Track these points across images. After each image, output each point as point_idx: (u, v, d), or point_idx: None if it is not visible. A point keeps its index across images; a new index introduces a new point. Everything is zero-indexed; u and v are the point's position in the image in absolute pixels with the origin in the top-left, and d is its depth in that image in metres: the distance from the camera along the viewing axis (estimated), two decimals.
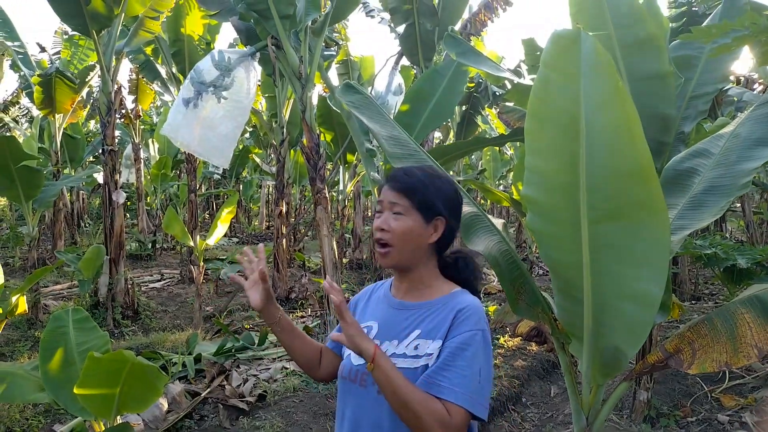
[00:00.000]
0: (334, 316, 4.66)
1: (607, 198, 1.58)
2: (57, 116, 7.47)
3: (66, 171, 10.16)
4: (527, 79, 6.01)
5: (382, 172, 4.63)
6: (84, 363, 2.31)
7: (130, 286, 6.36)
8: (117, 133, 6.84)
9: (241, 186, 15.91)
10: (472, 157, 13.94)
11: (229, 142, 4.31)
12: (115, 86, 6.34)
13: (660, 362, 2.01)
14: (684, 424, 3.78)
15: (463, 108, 8.83)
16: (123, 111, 8.95)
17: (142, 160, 10.86)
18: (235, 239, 14.05)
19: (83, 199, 15.57)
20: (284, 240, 7.25)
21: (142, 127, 11.50)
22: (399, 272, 1.39)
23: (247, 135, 12.44)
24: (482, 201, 15.84)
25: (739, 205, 8.06)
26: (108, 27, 5.87)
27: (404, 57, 6.72)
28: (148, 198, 12.60)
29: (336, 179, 10.12)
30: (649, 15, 2.93)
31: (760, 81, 6.99)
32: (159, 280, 8.75)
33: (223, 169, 12.57)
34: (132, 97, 9.39)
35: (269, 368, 4.49)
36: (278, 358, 4.76)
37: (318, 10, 4.48)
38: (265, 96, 8.41)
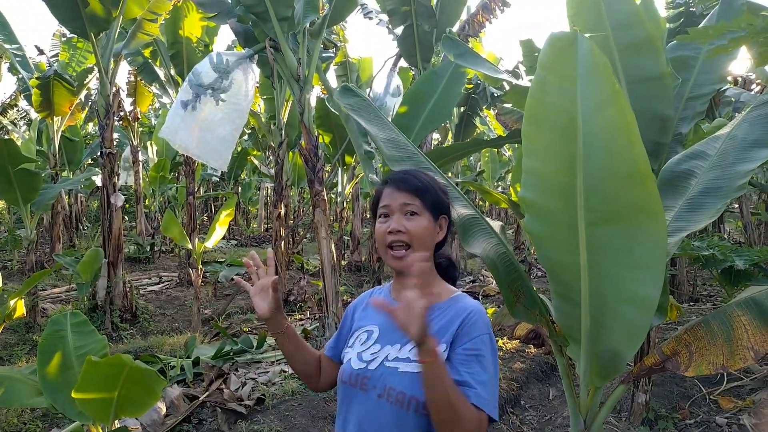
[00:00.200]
0: (332, 320, 4.66)
1: (604, 200, 1.58)
2: (55, 119, 7.47)
3: (64, 174, 10.16)
4: (525, 81, 6.02)
5: (381, 174, 4.63)
6: (82, 367, 2.31)
7: (128, 290, 6.35)
8: (115, 135, 6.85)
9: (239, 188, 15.90)
10: (471, 158, 13.95)
11: (228, 145, 4.31)
12: (114, 89, 6.34)
13: (657, 365, 2.01)
14: (682, 427, 3.78)
15: (462, 109, 8.84)
16: (121, 113, 8.96)
17: (140, 163, 10.85)
18: (233, 242, 14.04)
19: (81, 201, 15.54)
20: (283, 242, 7.25)
21: (140, 129, 11.50)
22: (403, 276, 1.36)
23: (245, 137, 12.44)
24: (481, 202, 15.85)
25: (737, 206, 8.07)
26: (106, 29, 5.87)
27: (402, 58, 6.72)
28: (147, 200, 12.58)
29: (334, 181, 10.12)
30: (647, 16, 2.94)
31: (757, 81, 7.01)
32: (157, 283, 8.74)
33: (222, 171, 12.58)
34: (130, 100, 9.39)
35: (268, 371, 4.48)
36: (277, 361, 4.76)
37: (316, 12, 4.48)
38: (263, 98, 8.41)
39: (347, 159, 7.79)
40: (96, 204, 15.78)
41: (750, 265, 4.13)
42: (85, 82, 7.44)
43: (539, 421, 4.07)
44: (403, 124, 4.69)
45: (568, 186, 1.61)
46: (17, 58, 8.06)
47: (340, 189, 10.23)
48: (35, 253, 6.57)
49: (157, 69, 8.15)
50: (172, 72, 7.74)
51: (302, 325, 6.07)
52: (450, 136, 10.20)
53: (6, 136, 11.82)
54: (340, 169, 9.12)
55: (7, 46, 8.00)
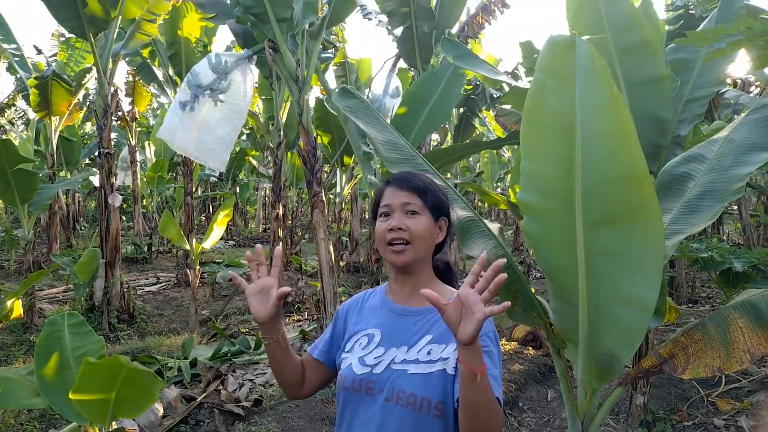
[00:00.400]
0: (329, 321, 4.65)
1: (602, 203, 1.58)
2: (53, 119, 7.47)
3: (62, 174, 10.14)
4: (524, 82, 6.02)
5: (380, 174, 4.63)
6: (79, 368, 2.31)
7: (125, 290, 6.34)
8: (113, 135, 6.84)
9: (237, 189, 15.89)
10: (470, 159, 13.95)
11: (226, 145, 4.31)
12: (112, 89, 6.33)
13: (654, 367, 2.01)
14: (680, 429, 3.78)
15: (461, 110, 8.84)
16: (119, 113, 8.95)
17: (138, 163, 10.83)
18: (231, 242, 14.03)
19: (79, 201, 15.52)
20: (281, 243, 7.24)
21: (138, 129, 11.48)
22: (403, 275, 1.38)
23: (243, 137, 12.43)
24: (480, 203, 15.86)
25: (736, 207, 8.09)
26: (105, 30, 5.87)
27: (401, 59, 6.72)
28: (144, 201, 12.57)
29: (333, 182, 10.11)
30: (646, 19, 2.95)
31: (756, 83, 7.02)
32: (155, 284, 8.73)
33: (220, 171, 12.58)
34: (128, 100, 9.37)
35: (265, 373, 4.47)
36: None
37: (315, 13, 4.48)
38: (262, 98, 8.40)
39: (346, 160, 7.79)
40: (93, 204, 15.77)
41: (748, 267, 4.13)
42: (83, 82, 7.43)
43: (537, 422, 4.07)
44: (402, 125, 4.69)
45: (566, 188, 1.61)
46: (15, 58, 8.06)
47: (338, 190, 10.22)
48: (32, 253, 6.56)
49: (155, 69, 8.14)
50: (171, 72, 7.73)
51: (300, 326, 6.07)
52: (449, 137, 10.20)
53: (4, 136, 11.81)
54: (338, 169, 9.11)
55: (5, 45, 7.99)
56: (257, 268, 1.33)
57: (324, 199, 4.73)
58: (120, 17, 5.90)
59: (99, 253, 5.82)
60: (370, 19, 7.84)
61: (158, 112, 14.13)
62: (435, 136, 11.98)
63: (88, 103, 10.48)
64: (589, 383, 1.99)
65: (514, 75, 8.40)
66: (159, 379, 2.47)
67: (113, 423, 2.59)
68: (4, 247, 10.04)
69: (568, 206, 1.63)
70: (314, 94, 7.93)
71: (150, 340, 5.50)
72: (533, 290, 2.22)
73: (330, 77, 9.60)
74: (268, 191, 17.08)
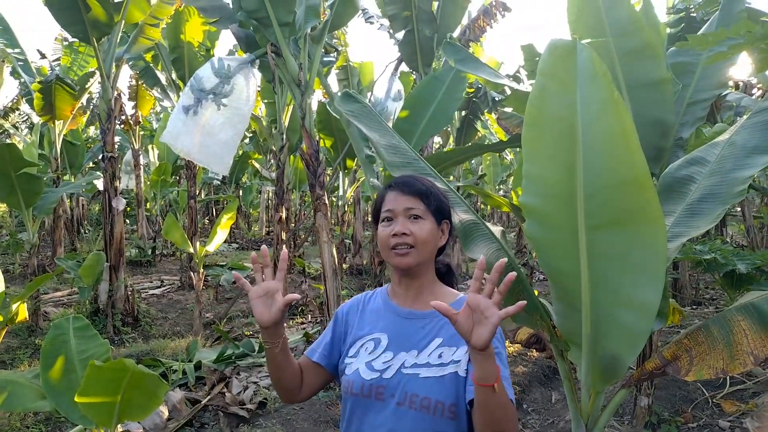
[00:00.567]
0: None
1: (604, 206, 1.59)
2: (57, 123, 7.49)
3: (66, 177, 10.18)
4: (526, 85, 6.03)
5: (382, 177, 4.64)
6: (85, 371, 2.32)
7: (130, 293, 6.37)
8: (117, 139, 6.87)
9: (240, 192, 15.93)
10: (472, 161, 13.96)
11: (229, 149, 4.33)
12: (115, 93, 6.36)
13: (658, 369, 2.01)
14: (685, 430, 3.78)
15: (463, 113, 8.86)
16: (123, 117, 8.98)
17: (141, 166, 10.88)
18: (235, 245, 14.06)
19: (83, 205, 15.58)
20: (284, 246, 7.25)
21: (141, 133, 11.53)
22: (407, 278, 1.37)
23: (246, 141, 12.47)
24: (482, 206, 15.86)
25: (739, 209, 8.07)
26: (108, 34, 5.91)
27: (403, 63, 6.74)
28: (148, 204, 12.61)
29: (336, 185, 10.13)
30: (647, 22, 2.96)
31: (759, 86, 7.01)
32: (159, 287, 8.75)
33: (223, 175, 12.61)
34: (132, 104, 9.41)
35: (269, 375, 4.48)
36: None
37: (317, 17, 4.50)
38: (264, 102, 8.43)
39: (348, 163, 7.80)
40: (97, 207, 15.81)
41: (752, 268, 4.12)
42: (86, 86, 7.47)
43: (541, 424, 4.07)
44: (404, 128, 4.70)
45: (568, 192, 1.62)
46: (19, 62, 8.09)
47: (341, 193, 10.24)
48: (37, 257, 6.59)
49: (158, 73, 8.18)
50: (174, 76, 7.77)
51: (304, 328, 6.08)
52: (451, 140, 10.21)
53: (8, 140, 11.87)
54: (341, 172, 9.12)
55: (9, 50, 8.03)
56: (262, 270, 1.29)
57: (327, 202, 4.74)
58: (123, 22, 5.94)
59: (103, 257, 5.85)
60: (372, 23, 7.87)
61: (161, 115, 14.17)
62: (437, 139, 12.00)
63: (91, 107, 10.54)
64: (593, 385, 2.00)
65: (516, 78, 8.41)
66: (164, 382, 2.48)
67: (119, 426, 2.60)
68: (8, 250, 10.09)
69: (570, 209, 1.64)
70: (316, 97, 7.97)
71: (154, 343, 5.52)
72: (536, 293, 2.23)
73: (332, 81, 9.61)
74: (271, 194, 17.11)
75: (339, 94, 3.03)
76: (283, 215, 7.28)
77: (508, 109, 7.04)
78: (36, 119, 9.52)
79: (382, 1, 6.68)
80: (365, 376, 1.32)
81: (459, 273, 9.46)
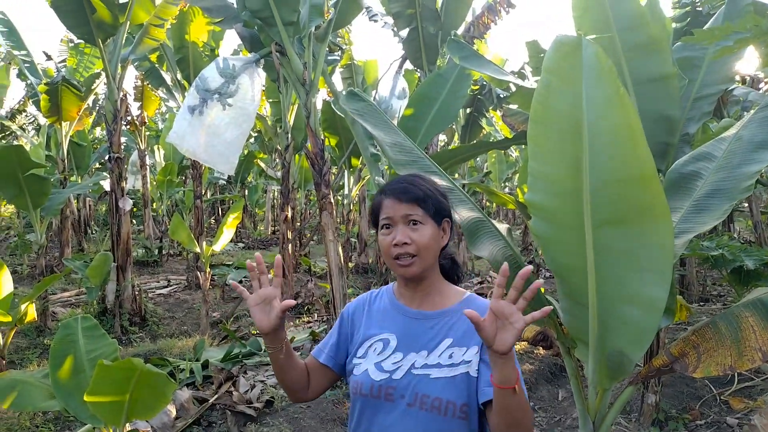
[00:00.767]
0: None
1: (610, 203, 1.59)
2: (63, 124, 7.53)
3: (72, 178, 10.23)
4: (531, 82, 6.02)
5: (387, 176, 4.64)
6: (93, 371, 2.34)
7: (137, 293, 6.40)
8: (123, 139, 6.90)
9: (246, 191, 15.95)
10: (478, 159, 13.93)
11: (235, 149, 4.34)
12: (121, 94, 6.39)
13: (665, 366, 2.00)
14: (693, 428, 3.77)
15: (468, 111, 8.84)
16: (128, 118, 9.02)
17: (147, 167, 10.92)
18: (241, 244, 14.09)
19: (90, 206, 15.65)
20: (290, 245, 7.27)
21: (147, 133, 11.57)
22: (414, 281, 1.36)
23: (252, 140, 12.50)
24: (488, 203, 15.83)
25: (746, 205, 8.02)
26: (113, 35, 5.93)
27: (408, 61, 6.74)
28: (154, 204, 12.66)
29: (341, 183, 10.14)
30: (653, 17, 2.94)
31: (766, 80, 6.95)
32: (166, 287, 8.79)
33: (229, 174, 12.64)
34: (137, 104, 9.45)
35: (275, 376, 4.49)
36: None
37: (321, 16, 4.51)
38: (269, 101, 8.45)
39: (353, 161, 7.81)
40: (104, 208, 15.89)
41: (760, 265, 4.10)
42: (92, 87, 7.51)
43: (548, 422, 4.07)
44: (409, 126, 4.70)
45: (574, 188, 1.61)
46: (26, 64, 8.14)
47: (346, 191, 10.24)
48: (45, 258, 6.62)
49: (163, 73, 8.21)
50: (179, 76, 7.79)
51: (310, 327, 6.09)
52: (456, 137, 10.20)
53: (15, 142, 11.94)
54: (346, 171, 9.13)
55: (15, 52, 8.08)
56: (258, 277, 1.30)
57: (332, 201, 4.75)
58: (128, 22, 5.96)
59: (110, 257, 5.88)
60: (376, 21, 7.87)
61: (167, 116, 14.24)
62: (442, 137, 11.98)
63: (97, 108, 10.57)
64: (600, 382, 1.99)
65: (521, 75, 8.38)
66: (172, 381, 2.49)
67: (127, 425, 2.62)
68: (17, 251, 10.15)
69: (576, 206, 1.63)
70: (321, 96, 7.97)
71: (162, 342, 5.54)
72: (542, 290, 2.23)
73: (336, 79, 9.62)
74: (276, 194, 17.14)
75: (344, 92, 3.03)
76: (289, 214, 7.29)
77: (513, 106, 7.03)
78: (43, 121, 9.57)
79: None
80: (374, 377, 1.32)
81: (465, 271, 9.44)
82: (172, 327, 6.56)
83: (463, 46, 3.88)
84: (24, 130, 13.49)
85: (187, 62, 7.36)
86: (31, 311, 4.19)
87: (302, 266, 9.42)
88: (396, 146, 2.42)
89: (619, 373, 1.90)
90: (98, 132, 15.43)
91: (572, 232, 1.67)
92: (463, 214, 2.22)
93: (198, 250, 6.19)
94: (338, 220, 10.34)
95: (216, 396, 3.99)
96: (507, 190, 14.12)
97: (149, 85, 8.75)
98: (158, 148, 13.38)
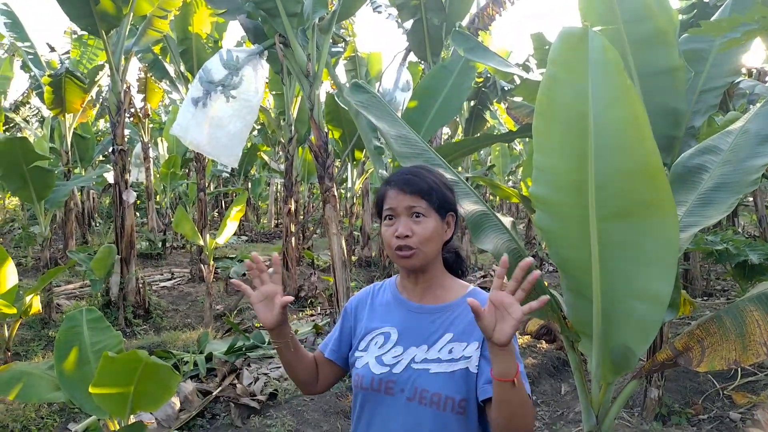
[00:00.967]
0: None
1: (615, 196, 1.58)
2: (67, 116, 7.54)
3: (76, 171, 10.25)
4: (536, 74, 5.98)
5: (391, 169, 4.63)
6: (98, 362, 2.35)
7: (141, 285, 6.42)
8: (126, 132, 6.89)
9: (249, 184, 15.96)
10: (481, 152, 13.89)
11: (238, 141, 4.33)
12: (125, 86, 6.38)
13: (669, 360, 2.00)
14: (695, 422, 3.77)
15: (472, 103, 8.81)
16: (132, 110, 9.02)
17: (151, 159, 10.92)
18: (244, 237, 14.12)
19: (94, 198, 15.70)
20: (293, 238, 7.28)
21: (151, 125, 11.57)
22: (416, 274, 1.35)
23: (255, 132, 12.49)
24: (491, 197, 15.81)
25: (751, 199, 7.98)
26: (117, 27, 5.91)
27: (412, 53, 6.71)
28: (158, 197, 12.68)
29: (344, 176, 10.14)
30: (659, 9, 2.91)
31: None
32: (169, 279, 8.82)
33: (232, 167, 12.64)
34: (141, 96, 9.44)
35: (279, 367, 4.51)
36: None
37: (325, 7, 4.48)
38: (273, 94, 8.43)
39: (357, 154, 7.81)
40: (108, 200, 15.92)
41: (764, 259, 4.09)
42: (96, 80, 7.50)
43: (551, 416, 4.07)
44: (412, 119, 4.69)
45: (579, 182, 1.60)
46: (29, 56, 8.13)
47: (349, 184, 10.25)
48: (49, 250, 6.65)
49: (167, 65, 8.19)
50: (182, 68, 7.77)
51: (313, 320, 6.11)
52: (460, 130, 10.17)
53: (19, 134, 11.96)
54: (349, 164, 9.13)
55: (19, 44, 8.07)
56: (258, 275, 1.31)
57: (335, 194, 4.74)
58: (131, 14, 5.94)
59: (114, 249, 5.89)
60: (380, 12, 7.82)
61: (170, 108, 14.22)
62: (446, 130, 11.96)
63: (101, 100, 10.58)
64: (604, 377, 1.99)
65: (525, 67, 8.33)
66: (176, 373, 2.50)
67: (131, 416, 2.63)
68: (21, 243, 10.19)
69: (581, 199, 1.62)
70: (325, 88, 7.95)
71: (166, 335, 5.57)
72: (546, 284, 2.22)
73: (340, 72, 9.59)
74: (279, 186, 17.16)
75: (348, 84, 3.02)
76: (292, 207, 7.30)
77: (518, 99, 7.00)
78: (46, 113, 9.57)
79: None
80: (375, 370, 1.32)
81: (468, 264, 9.44)
82: (175, 319, 6.58)
83: (467, 37, 3.86)
84: (28, 122, 13.51)
85: (190, 54, 7.34)
86: (35, 303, 4.21)
87: (305, 259, 9.43)
88: (401, 138, 2.41)
89: (622, 367, 1.90)
90: (102, 124, 15.45)
91: (577, 225, 1.67)
92: (467, 207, 2.22)
93: (201, 242, 6.20)
94: (341, 213, 10.35)
95: (220, 388, 4.01)
96: (510, 183, 14.09)
97: (152, 77, 8.74)
98: (161, 141, 13.38)
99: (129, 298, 6.26)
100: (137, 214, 13.00)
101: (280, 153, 11.84)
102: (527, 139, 8.63)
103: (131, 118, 9.59)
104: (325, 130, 4.78)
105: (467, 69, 4.95)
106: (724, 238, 4.28)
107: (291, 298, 1.29)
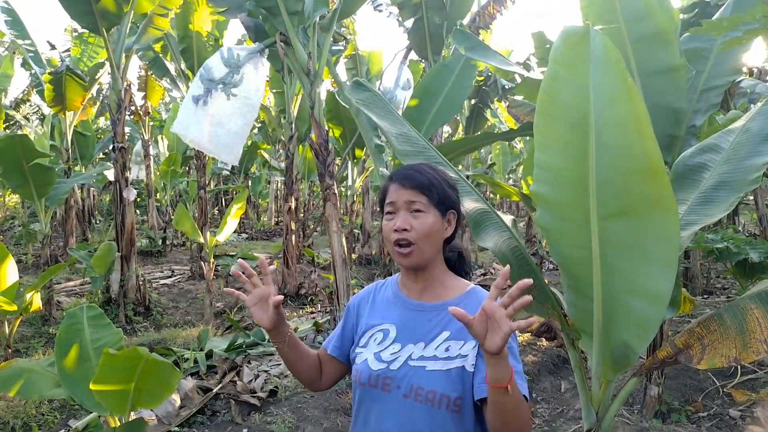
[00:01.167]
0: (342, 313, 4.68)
1: (616, 195, 1.58)
2: (67, 114, 7.54)
3: (77, 168, 10.25)
4: (537, 73, 5.98)
5: (391, 167, 4.64)
6: (99, 359, 2.35)
7: (141, 283, 6.42)
8: (127, 129, 6.90)
9: (250, 182, 15.96)
10: (482, 151, 13.88)
11: (239, 139, 4.33)
12: (125, 83, 6.38)
13: (670, 358, 2.01)
14: (695, 420, 3.77)
15: (472, 102, 8.80)
16: (132, 108, 9.02)
17: (151, 157, 10.91)
18: (244, 235, 14.12)
19: (94, 196, 15.69)
20: (293, 236, 7.28)
21: (151, 123, 11.56)
22: (415, 271, 1.36)
23: (255, 130, 12.48)
24: (491, 195, 15.80)
25: (752, 198, 7.98)
26: (117, 24, 5.91)
27: (413, 51, 6.70)
28: (158, 194, 12.67)
29: (344, 174, 10.13)
30: (660, 8, 2.91)
31: None
32: (170, 277, 8.82)
33: (233, 165, 12.63)
34: (141, 94, 9.44)
35: (280, 364, 4.52)
36: None
37: (326, 6, 4.48)
38: (273, 92, 8.42)
39: (357, 152, 7.80)
40: (108, 198, 15.92)
41: (765, 257, 4.09)
42: (96, 77, 7.49)
43: (551, 413, 4.08)
44: (413, 117, 4.69)
45: (580, 180, 1.61)
46: (30, 54, 8.13)
47: (350, 182, 10.25)
48: (49, 247, 6.66)
49: (167, 63, 8.18)
50: (183, 66, 7.77)
51: (313, 318, 6.11)
52: (461, 128, 10.17)
53: (19, 131, 11.96)
54: (350, 162, 9.12)
55: (19, 41, 8.07)
56: (249, 279, 1.33)
57: (336, 192, 4.75)
58: (132, 12, 5.94)
59: (115, 247, 5.90)
60: (380, 11, 7.80)
61: (171, 106, 14.20)
62: (447, 128, 11.95)
63: (101, 97, 10.57)
64: (604, 374, 2.00)
65: (526, 66, 8.33)
66: (177, 370, 2.51)
67: (132, 413, 2.64)
68: (21, 241, 10.19)
69: (582, 198, 1.63)
70: (325, 86, 7.94)
71: (166, 332, 5.57)
72: (546, 281, 2.23)
73: (340, 70, 9.58)
74: (280, 184, 17.15)
75: (349, 83, 3.02)
76: (293, 205, 7.30)
77: (519, 97, 6.99)
78: (47, 110, 9.57)
79: None
80: (373, 366, 1.33)
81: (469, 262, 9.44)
82: (176, 317, 6.58)
83: (468, 36, 3.86)
84: (28, 119, 13.51)
85: (191, 52, 7.34)
86: (36, 300, 4.22)
87: (306, 257, 9.44)
88: (402, 137, 2.41)
89: (623, 364, 1.90)
90: (102, 122, 15.44)
91: (577, 223, 1.67)
92: (468, 204, 2.22)
93: (202, 240, 6.21)
94: (342, 211, 10.34)
95: (220, 385, 4.01)
96: (511, 181, 14.10)
97: (153, 75, 8.72)
98: (162, 138, 13.37)
99: (129, 295, 6.26)
100: (137, 211, 12.99)
101: (281, 151, 11.84)
102: (528, 137, 8.63)
103: (132, 116, 9.59)
104: (326, 128, 4.78)
105: (468, 67, 4.95)
106: (725, 236, 4.28)
107: (282, 298, 1.31)
